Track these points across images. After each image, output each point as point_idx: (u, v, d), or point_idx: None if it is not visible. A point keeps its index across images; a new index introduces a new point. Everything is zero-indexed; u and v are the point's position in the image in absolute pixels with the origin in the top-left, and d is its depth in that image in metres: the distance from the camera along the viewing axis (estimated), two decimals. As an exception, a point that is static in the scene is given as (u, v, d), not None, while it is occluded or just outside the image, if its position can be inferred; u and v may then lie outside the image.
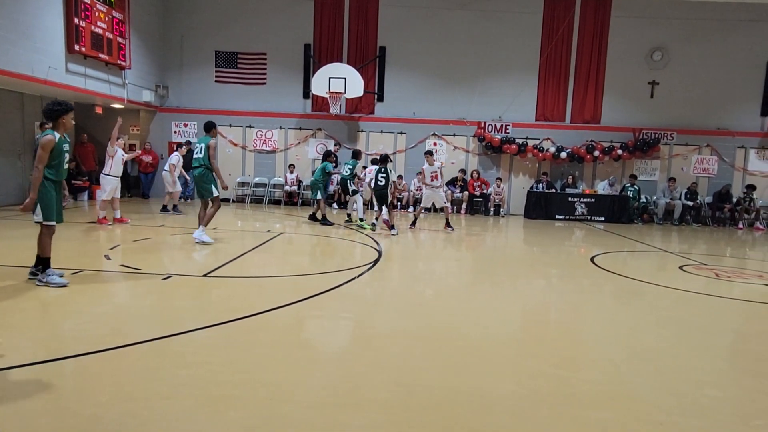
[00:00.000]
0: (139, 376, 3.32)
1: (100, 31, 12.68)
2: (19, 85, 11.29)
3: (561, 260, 8.71)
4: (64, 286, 5.23)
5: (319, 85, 15.10)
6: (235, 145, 16.44)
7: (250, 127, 16.37)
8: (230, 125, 16.31)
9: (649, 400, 3.29)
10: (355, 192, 11.68)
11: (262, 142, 16.42)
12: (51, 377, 3.31)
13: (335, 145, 16.02)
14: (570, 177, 15.80)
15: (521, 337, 4.62)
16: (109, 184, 9.88)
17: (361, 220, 11.30)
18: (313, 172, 12.68)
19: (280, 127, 16.38)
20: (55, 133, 5.22)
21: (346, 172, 11.76)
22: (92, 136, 15.27)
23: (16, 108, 12.16)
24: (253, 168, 16.46)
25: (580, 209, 15.12)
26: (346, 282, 6.09)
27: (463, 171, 15.95)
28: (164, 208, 12.03)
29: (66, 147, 5.37)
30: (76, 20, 11.77)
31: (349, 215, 12.03)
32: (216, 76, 16.33)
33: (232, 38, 16.17)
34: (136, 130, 16.45)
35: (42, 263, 5.33)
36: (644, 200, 15.78)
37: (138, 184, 16.15)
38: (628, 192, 15.38)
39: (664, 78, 15.94)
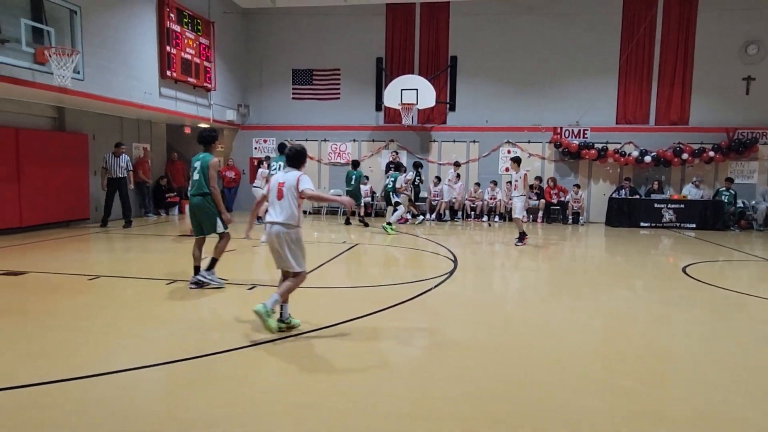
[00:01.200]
0: (230, 381, 3.52)
1: (189, 57, 13.62)
2: (119, 110, 12.33)
3: (648, 270, 8.24)
4: (221, 287, 6.09)
5: (392, 97, 15.32)
6: (311, 158, 16.96)
7: (325, 140, 16.87)
8: (306, 140, 16.87)
9: (760, 425, 3.04)
10: (397, 204, 12.57)
11: (336, 154, 16.85)
12: (149, 382, 3.58)
13: (393, 152, 16.14)
14: (655, 182, 14.93)
15: (605, 352, 4.42)
16: None
17: (389, 224, 12.10)
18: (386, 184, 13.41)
19: (354, 140, 16.75)
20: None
21: (389, 184, 12.73)
22: (181, 154, 16.34)
23: (116, 131, 13.28)
24: (329, 180, 16.91)
25: (668, 216, 14.22)
26: (423, 293, 6.12)
27: (539, 178, 15.53)
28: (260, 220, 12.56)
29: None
30: (168, 48, 12.72)
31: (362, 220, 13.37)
32: (293, 94, 17.00)
33: (307, 56, 16.79)
34: (221, 147, 17.42)
35: (212, 264, 6.18)
36: (741, 205, 14.60)
37: (222, 198, 17.07)
38: (722, 196, 14.29)
39: (760, 73, 14.74)
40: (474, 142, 16.10)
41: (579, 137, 15.43)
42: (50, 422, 2.91)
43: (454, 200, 15.28)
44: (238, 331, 4.67)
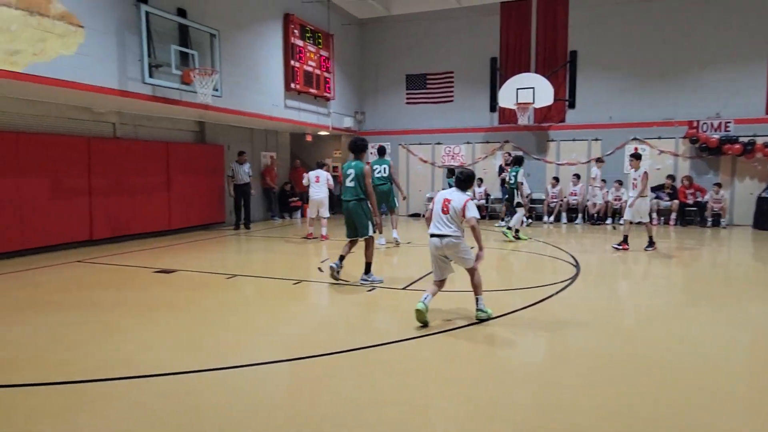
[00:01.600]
0: (353, 381, 3.70)
1: (311, 69, 14.43)
2: (249, 122, 13.42)
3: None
4: (381, 282, 6.65)
5: (507, 97, 15.00)
6: (425, 161, 17.15)
7: (438, 143, 16.94)
8: (420, 143, 17.09)
9: None
10: (519, 205, 10.99)
11: (450, 157, 16.85)
12: (275, 378, 3.88)
13: (506, 153, 15.65)
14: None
15: (754, 370, 3.98)
16: (310, 203, 11.06)
17: (509, 228, 11.12)
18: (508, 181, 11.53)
19: (468, 142, 16.62)
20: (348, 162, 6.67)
21: (511, 180, 11.04)
22: (304, 161, 17.35)
23: (247, 141, 14.46)
24: (442, 183, 16.95)
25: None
26: (543, 299, 5.93)
27: (672, 177, 14.26)
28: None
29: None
30: (292, 62, 13.60)
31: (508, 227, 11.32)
32: (407, 98, 17.29)
33: (421, 61, 16.98)
34: (338, 153, 18.23)
35: (368, 268, 6.71)
36: None
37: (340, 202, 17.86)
38: None
39: None
40: (596, 140, 15.21)
41: (720, 130, 13.91)
42: (201, 408, 3.27)
43: (597, 201, 14.47)
44: (361, 330, 4.87)
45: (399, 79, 17.30)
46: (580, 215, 14.82)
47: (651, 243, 9.65)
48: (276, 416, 3.16)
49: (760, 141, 13.47)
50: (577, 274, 7.34)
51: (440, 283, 5.16)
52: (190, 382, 3.64)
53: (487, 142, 16.39)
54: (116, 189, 10.40)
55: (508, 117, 15.89)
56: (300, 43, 13.89)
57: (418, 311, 4.77)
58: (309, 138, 17.09)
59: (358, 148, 6.64)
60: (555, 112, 15.60)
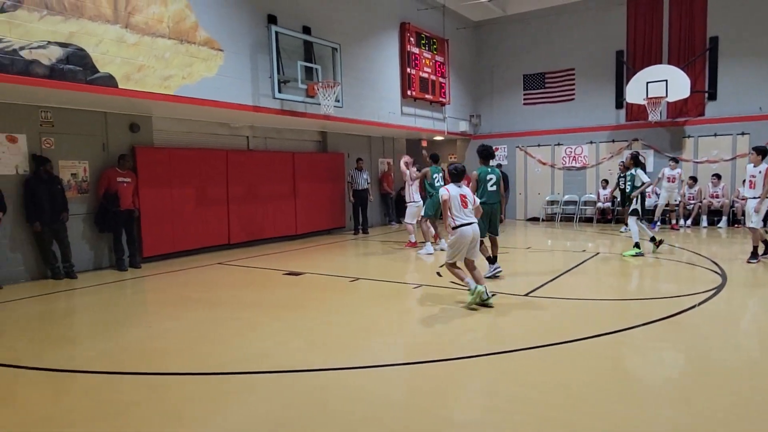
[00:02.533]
0: (479, 387, 3.65)
1: (426, 75, 14.57)
2: (367, 130, 13.87)
3: None
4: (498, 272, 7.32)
5: (635, 92, 13.94)
6: (544, 163, 16.49)
7: (558, 144, 16.20)
8: (539, 145, 16.48)
9: None
10: (635, 212, 9.13)
11: (571, 158, 16.03)
12: (398, 380, 3.93)
13: (633, 152, 14.09)
14: None
15: None
16: (410, 210, 10.95)
17: (636, 245, 9.09)
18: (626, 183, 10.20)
19: (591, 142, 15.70)
20: (481, 167, 7.36)
21: (628, 187, 9.50)
22: (420, 166, 17.50)
23: (365, 148, 14.96)
24: (563, 185, 16.19)
25: None
26: (684, 310, 5.41)
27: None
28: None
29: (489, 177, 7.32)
30: (408, 70, 13.83)
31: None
32: (524, 99, 16.77)
33: (539, 60, 16.39)
34: (453, 158, 18.16)
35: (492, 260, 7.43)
36: None
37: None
38: None
39: None
40: (742, 134, 13.57)
41: None
42: (329, 403, 3.43)
43: (671, 200, 13.08)
44: (485, 337, 4.81)
45: (516, 80, 16.84)
46: (724, 218, 13.30)
47: (755, 254, 8.11)
48: (398, 417, 3.21)
49: None
50: (722, 285, 6.59)
51: (472, 264, 5.93)
52: (318, 379, 3.84)
53: (613, 141, 15.35)
54: (249, 197, 11.30)
55: (636, 113, 14.78)
56: (416, 50, 14.09)
57: (479, 293, 5.63)
58: (424, 143, 17.23)
59: (490, 155, 7.43)
60: (692, 106, 14.19)
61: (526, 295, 6.31)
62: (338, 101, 10.81)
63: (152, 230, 9.44)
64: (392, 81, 13.61)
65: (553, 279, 7.23)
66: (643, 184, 8.97)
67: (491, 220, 7.34)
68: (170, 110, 9.21)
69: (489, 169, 7.34)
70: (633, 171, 9.20)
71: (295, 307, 6.08)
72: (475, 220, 5.92)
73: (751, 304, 5.97)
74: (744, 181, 9.23)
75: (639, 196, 9.05)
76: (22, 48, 6.55)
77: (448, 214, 5.81)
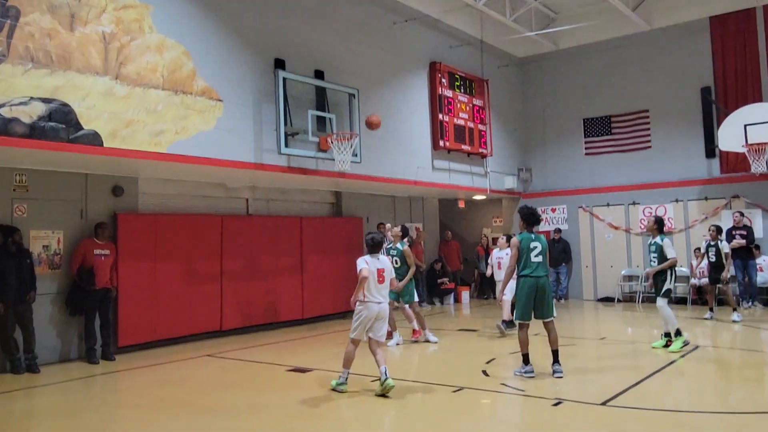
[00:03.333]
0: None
1: (462, 123, 15.65)
2: (391, 189, 14.77)
3: None
4: (532, 376, 7.49)
5: (731, 137, 14.43)
6: (616, 228, 16.96)
7: (633, 204, 16.78)
8: (608, 204, 17.07)
9: None
10: (667, 293, 9.35)
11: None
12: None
13: (736, 213, 14.41)
14: None
15: None
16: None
17: (667, 335, 9.41)
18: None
19: (677, 200, 16.21)
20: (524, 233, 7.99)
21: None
22: (456, 232, 18.30)
23: (388, 211, 15.83)
24: (642, 256, 16.50)
25: None
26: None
27: None
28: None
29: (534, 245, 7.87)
30: (440, 116, 14.93)
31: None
32: (586, 148, 17.61)
33: (602, 101, 17.34)
34: (499, 222, 18.90)
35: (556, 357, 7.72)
36: None
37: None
38: None
39: None
40: None
41: None
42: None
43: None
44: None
45: (574, 125, 17.76)
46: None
47: None
48: None
49: None
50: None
51: (377, 344, 7.29)
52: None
53: (706, 199, 15.82)
54: (247, 272, 12.16)
55: (734, 164, 15.26)
56: (449, 93, 15.26)
57: (387, 386, 6.83)
58: (462, 204, 17.97)
59: (535, 218, 8.07)
60: (805, 152, 14.75)
61: (603, 404, 6.39)
62: (356, 155, 11.70)
63: (131, 313, 10.29)
64: (421, 130, 14.66)
65: (639, 382, 7.37)
66: (667, 259, 9.24)
67: (540, 299, 7.71)
68: (160, 170, 10.32)
69: (533, 236, 7.92)
70: (658, 240, 9.42)
71: (304, 416, 6.38)
72: (381, 300, 7.24)
73: None
74: None
75: (670, 273, 9.30)
76: (2, 105, 7.70)
77: (362, 290, 7.09)
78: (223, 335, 11.65)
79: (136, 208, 10.77)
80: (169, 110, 9.43)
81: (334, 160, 11.39)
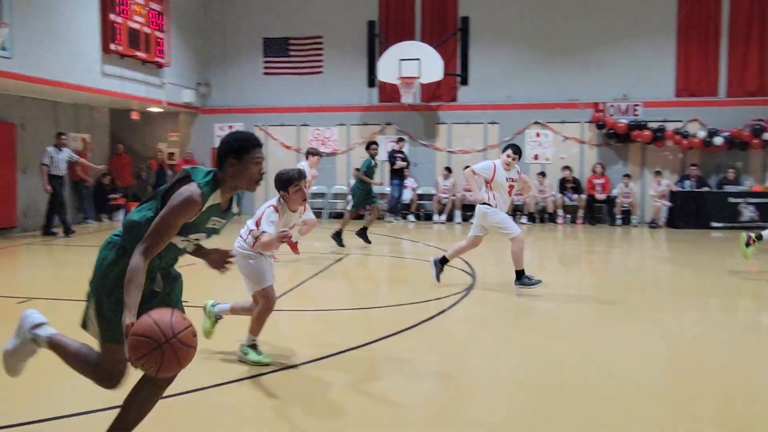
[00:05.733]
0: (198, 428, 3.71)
1: (137, 26, 13.86)
2: (53, 93, 12.61)
3: (724, 285, 8.37)
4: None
5: (388, 69, 15.40)
6: (288, 147, 17.12)
7: (305, 125, 17.04)
8: (282, 124, 17.07)
9: None
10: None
11: (319, 142, 16.74)
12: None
13: (398, 139, 15.97)
14: (730, 171, 14.86)
15: (675, 391, 4.51)
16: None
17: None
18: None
19: (341, 124, 16.90)
20: None
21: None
22: (128, 146, 16.56)
23: (49, 119, 13.53)
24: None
25: (748, 213, 14.13)
26: (433, 316, 6.27)
27: (568, 168, 15.50)
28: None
29: None
30: (111, 16, 12.99)
31: None
32: (265, 68, 17.21)
33: (282, 22, 16.99)
34: (176, 136, 17.61)
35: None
36: None
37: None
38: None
39: None
40: (493, 123, 16.27)
41: (628, 114, 15.46)
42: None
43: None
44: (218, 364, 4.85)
45: (255, 43, 17.21)
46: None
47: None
48: None
49: (670, 127, 15.06)
50: (471, 286, 7.83)
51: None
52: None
53: (366, 124, 16.76)
54: None
55: (390, 94, 16.29)
56: (122, -10, 13.31)
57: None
58: (135, 116, 16.41)
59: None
60: (445, 90, 16.39)
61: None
62: (5, 49, 9.88)
63: None
64: (90, 30, 12.80)
65: (293, 288, 7.57)
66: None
67: None
68: None
69: None
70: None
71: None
72: None
73: (498, 305, 7.28)
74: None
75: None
76: None
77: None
78: None
79: None
80: None
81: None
